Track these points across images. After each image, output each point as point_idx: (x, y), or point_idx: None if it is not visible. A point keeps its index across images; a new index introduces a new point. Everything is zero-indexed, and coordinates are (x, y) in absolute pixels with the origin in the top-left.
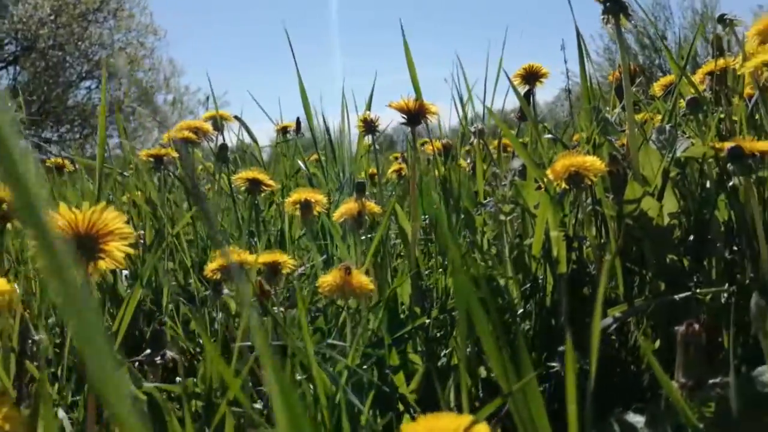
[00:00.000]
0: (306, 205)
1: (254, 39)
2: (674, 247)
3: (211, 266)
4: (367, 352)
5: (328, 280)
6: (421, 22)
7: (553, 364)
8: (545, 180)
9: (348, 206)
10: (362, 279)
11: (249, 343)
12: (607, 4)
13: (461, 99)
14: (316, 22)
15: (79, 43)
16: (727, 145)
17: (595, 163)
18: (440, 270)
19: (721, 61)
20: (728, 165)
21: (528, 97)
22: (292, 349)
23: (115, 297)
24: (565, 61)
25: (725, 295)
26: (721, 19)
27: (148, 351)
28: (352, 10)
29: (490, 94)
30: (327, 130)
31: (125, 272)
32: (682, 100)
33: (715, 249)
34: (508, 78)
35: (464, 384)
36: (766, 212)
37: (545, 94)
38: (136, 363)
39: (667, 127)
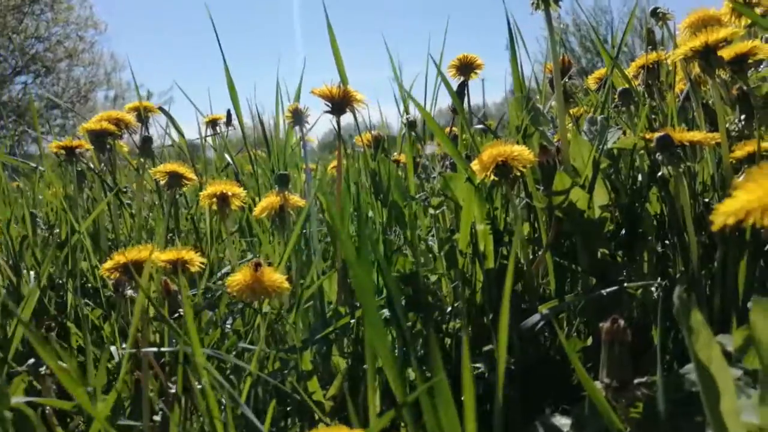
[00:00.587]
0: (223, 199)
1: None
2: (606, 240)
3: (106, 265)
4: (282, 356)
5: (237, 278)
6: (381, 22)
7: (478, 365)
8: (470, 171)
9: (269, 200)
10: (275, 277)
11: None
12: None
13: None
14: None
15: (14, 35)
16: (656, 135)
17: (523, 153)
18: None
19: (653, 55)
20: (657, 155)
21: (462, 89)
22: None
23: (19, 299)
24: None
25: (656, 289)
26: (654, 13)
27: (32, 360)
28: (315, 11)
29: (435, 89)
30: (261, 123)
31: (32, 273)
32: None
33: (646, 242)
34: (438, 70)
35: (371, 393)
36: (697, 204)
37: (495, 95)
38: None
39: (599, 118)
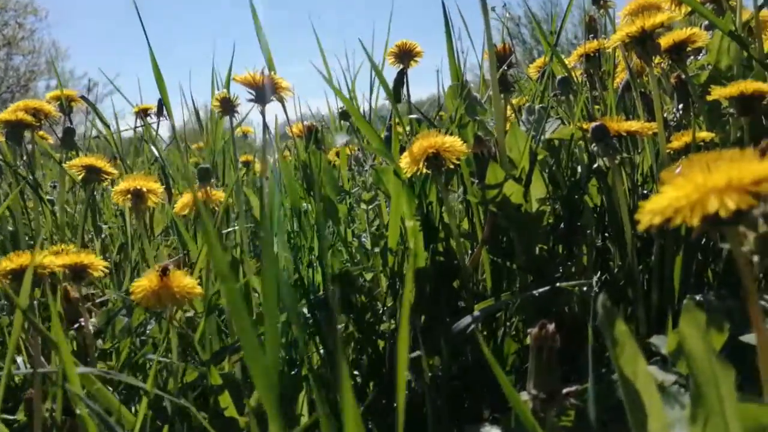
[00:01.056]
0: (137, 195)
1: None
2: (544, 235)
3: None
4: (193, 369)
5: (142, 284)
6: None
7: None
8: (397, 165)
9: (191, 196)
10: (185, 282)
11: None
12: None
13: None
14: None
15: None
16: (591, 125)
17: (455, 144)
18: (308, 264)
19: (594, 43)
20: (592, 146)
21: (401, 77)
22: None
23: None
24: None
25: (596, 284)
26: (595, 1)
27: None
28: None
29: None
30: (196, 113)
31: None
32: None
33: (585, 236)
34: (370, 59)
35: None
36: (635, 196)
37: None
38: None
39: (537, 107)
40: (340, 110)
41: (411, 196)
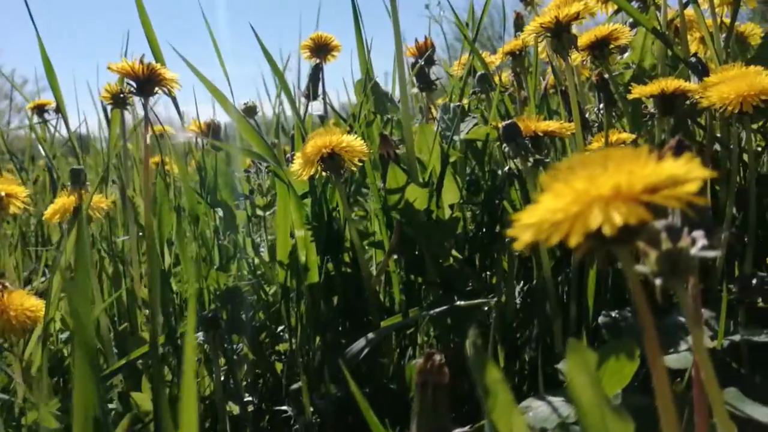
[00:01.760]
0: None
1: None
2: (459, 243)
3: None
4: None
5: None
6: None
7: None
8: (281, 168)
9: (63, 201)
10: (28, 303)
11: None
12: None
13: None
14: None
15: None
16: (502, 123)
17: (354, 143)
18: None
19: (519, 41)
20: (504, 146)
21: (317, 72)
22: None
23: None
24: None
25: (518, 294)
26: None
27: None
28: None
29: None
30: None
31: None
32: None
33: (504, 244)
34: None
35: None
36: None
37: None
38: None
39: (452, 105)
40: (243, 107)
41: (300, 203)
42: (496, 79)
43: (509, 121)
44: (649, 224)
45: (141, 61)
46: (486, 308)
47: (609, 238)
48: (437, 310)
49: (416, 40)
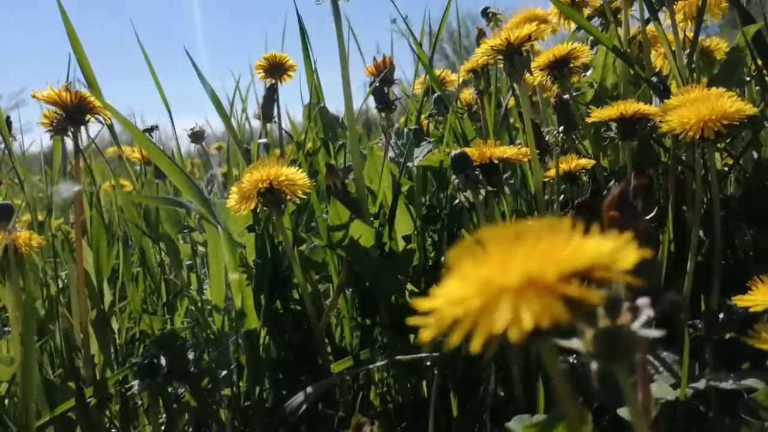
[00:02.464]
0: None
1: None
2: (417, 274)
3: None
4: None
5: None
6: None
7: None
8: (209, 209)
9: None
10: None
11: None
12: None
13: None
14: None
15: None
16: (452, 152)
17: (294, 176)
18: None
19: (543, 27)
20: (453, 178)
21: (271, 94)
22: None
23: None
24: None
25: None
26: (485, 13)
27: None
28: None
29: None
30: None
31: None
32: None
33: None
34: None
35: None
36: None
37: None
38: None
39: (406, 129)
40: (189, 133)
41: (232, 245)
42: (462, 96)
43: (458, 152)
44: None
45: (68, 89)
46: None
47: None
48: (387, 357)
49: (374, 59)
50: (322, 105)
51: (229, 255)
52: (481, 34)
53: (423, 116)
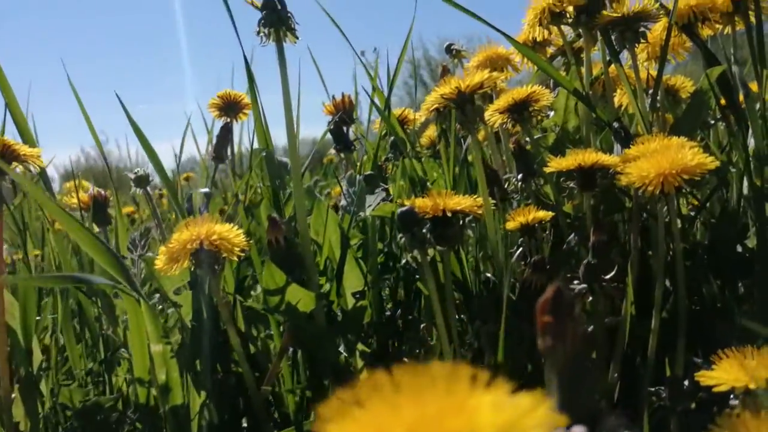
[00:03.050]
0: None
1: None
2: (371, 330)
3: None
4: None
5: None
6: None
7: None
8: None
9: None
10: None
11: None
12: (265, 13)
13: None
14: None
15: None
16: (398, 209)
17: (229, 234)
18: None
19: (495, 74)
20: (399, 237)
21: (225, 133)
22: None
23: None
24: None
25: None
26: (449, 49)
27: None
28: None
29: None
30: None
31: None
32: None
33: (417, 332)
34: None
35: None
36: (472, 284)
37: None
38: None
39: (357, 177)
40: (133, 177)
41: (153, 314)
42: (428, 134)
43: (405, 208)
44: None
45: None
46: None
47: None
48: None
49: (333, 97)
50: (267, 150)
51: (151, 325)
52: (445, 71)
53: (382, 158)
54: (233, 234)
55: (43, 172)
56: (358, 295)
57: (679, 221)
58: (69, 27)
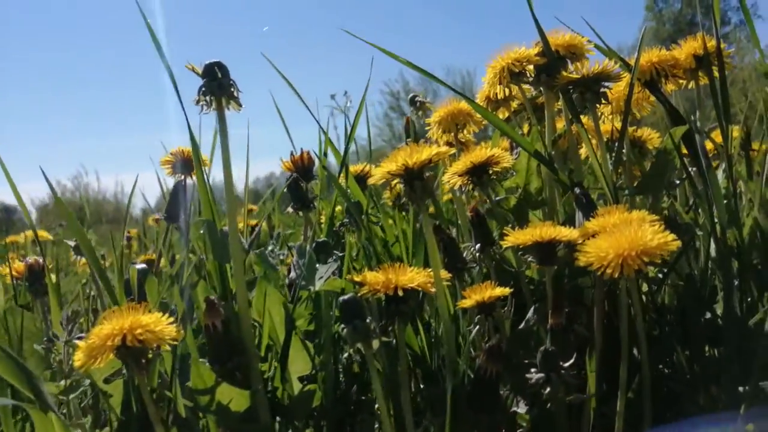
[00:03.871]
0: None
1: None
2: (322, 412)
3: None
4: None
5: None
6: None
7: None
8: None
9: None
10: None
11: None
12: (205, 81)
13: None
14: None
15: None
16: (342, 297)
17: (157, 325)
18: None
19: (444, 149)
20: (340, 327)
21: (178, 191)
22: None
23: None
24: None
25: None
26: (413, 101)
27: None
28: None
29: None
30: None
31: None
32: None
33: (371, 418)
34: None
35: None
36: (414, 375)
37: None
38: None
39: (308, 247)
40: (74, 244)
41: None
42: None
43: (347, 297)
44: None
45: None
46: None
47: None
48: None
49: (291, 153)
50: (209, 221)
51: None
52: (408, 124)
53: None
54: (161, 325)
55: None
56: (306, 379)
57: (645, 285)
58: (49, 57)
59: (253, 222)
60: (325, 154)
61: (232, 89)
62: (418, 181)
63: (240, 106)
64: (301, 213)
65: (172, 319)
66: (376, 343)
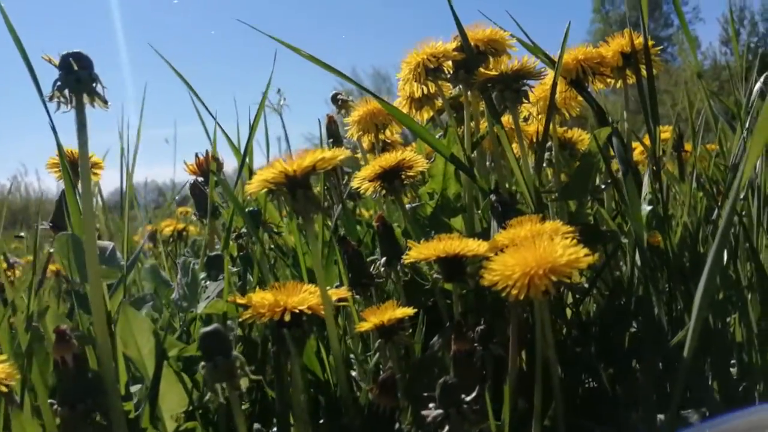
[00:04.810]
0: None
1: None
2: None
3: None
4: None
5: None
6: None
7: None
8: None
9: None
10: None
11: None
12: (60, 74)
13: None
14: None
15: None
16: (202, 330)
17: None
18: None
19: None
20: (201, 365)
21: (62, 203)
22: None
23: None
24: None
25: None
26: (334, 99)
27: None
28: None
29: None
30: None
31: None
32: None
33: None
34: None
35: None
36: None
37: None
38: None
39: (193, 262)
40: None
41: None
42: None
43: (209, 329)
44: None
45: None
46: None
47: None
48: None
49: (196, 155)
50: (73, 235)
51: None
52: (331, 122)
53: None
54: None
55: None
56: (185, 417)
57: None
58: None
59: (181, 226)
60: (244, 157)
61: (95, 84)
62: (301, 190)
63: (106, 103)
64: (205, 221)
65: (3, 357)
66: (244, 383)
